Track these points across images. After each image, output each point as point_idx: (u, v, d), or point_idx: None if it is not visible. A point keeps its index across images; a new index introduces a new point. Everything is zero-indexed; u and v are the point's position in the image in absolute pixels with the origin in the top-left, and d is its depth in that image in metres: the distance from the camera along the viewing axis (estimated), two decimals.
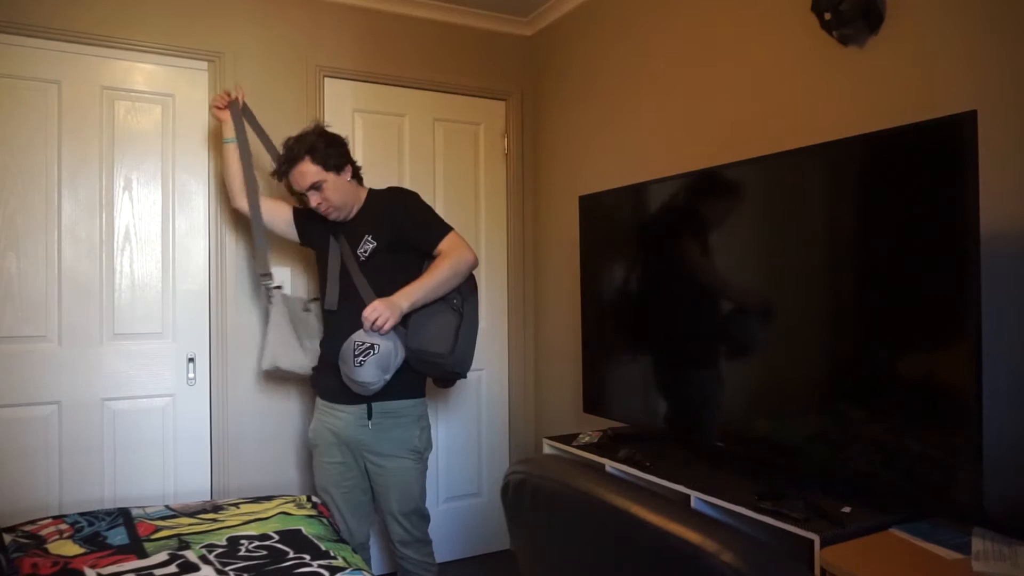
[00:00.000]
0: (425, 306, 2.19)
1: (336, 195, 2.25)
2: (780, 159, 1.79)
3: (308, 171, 2.21)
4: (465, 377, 2.34)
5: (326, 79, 2.93)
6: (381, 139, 3.06)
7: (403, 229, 2.26)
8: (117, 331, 2.58)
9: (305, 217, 2.43)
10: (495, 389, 3.32)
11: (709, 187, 2.01)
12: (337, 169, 2.25)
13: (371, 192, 2.39)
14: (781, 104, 2.12)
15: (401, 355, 2.16)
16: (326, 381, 2.32)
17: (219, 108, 2.42)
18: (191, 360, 2.69)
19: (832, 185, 1.68)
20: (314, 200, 2.24)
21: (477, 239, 3.27)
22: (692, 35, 2.46)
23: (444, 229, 2.25)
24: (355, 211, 2.32)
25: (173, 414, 2.66)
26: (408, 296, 2.14)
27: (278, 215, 2.46)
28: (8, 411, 2.42)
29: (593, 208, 2.50)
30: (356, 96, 3.00)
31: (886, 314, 1.54)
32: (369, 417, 2.23)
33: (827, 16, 1.89)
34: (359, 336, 2.10)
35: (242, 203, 2.45)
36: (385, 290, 2.18)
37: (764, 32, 2.17)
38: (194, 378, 2.69)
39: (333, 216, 2.28)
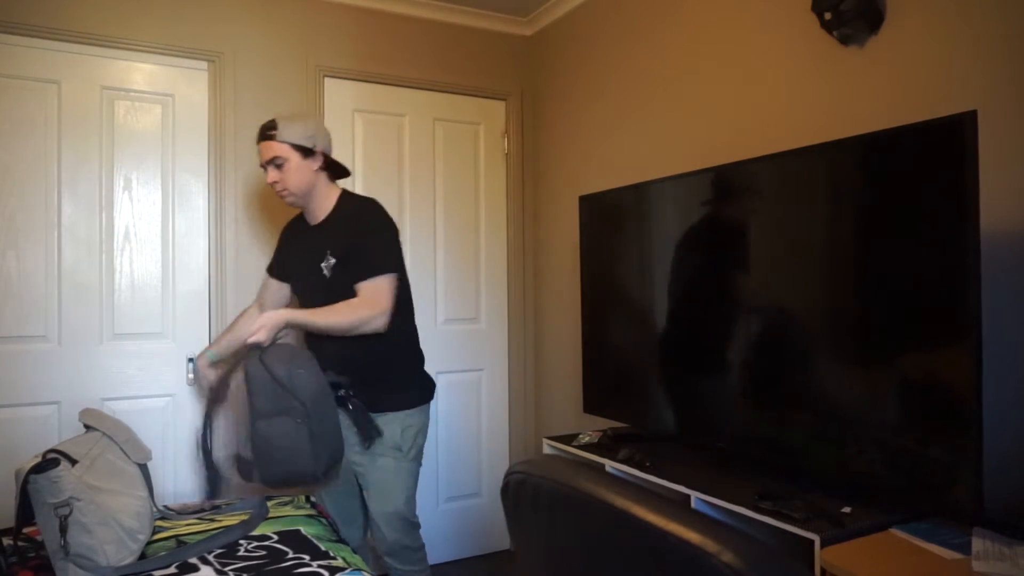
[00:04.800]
0: (264, 428, 1.91)
1: (296, 178, 2.12)
2: (779, 159, 1.79)
3: (273, 145, 2.11)
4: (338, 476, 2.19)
5: (326, 79, 2.93)
6: (381, 139, 3.06)
7: (349, 250, 2.11)
8: (117, 331, 2.58)
9: (281, 260, 2.37)
10: (495, 389, 3.32)
11: (709, 187, 2.01)
12: (304, 153, 2.12)
13: (342, 196, 2.23)
14: (780, 104, 2.12)
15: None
16: None
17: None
18: (191, 360, 2.68)
19: (832, 185, 1.68)
20: (271, 176, 2.14)
21: (477, 239, 3.28)
22: (692, 35, 2.46)
23: (381, 268, 2.08)
24: (321, 215, 2.21)
25: (173, 414, 2.66)
26: (294, 315, 2.03)
27: (270, 290, 2.38)
28: (8, 411, 2.42)
29: (593, 208, 2.50)
30: (356, 96, 3.00)
31: (886, 314, 1.54)
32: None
33: (827, 16, 1.89)
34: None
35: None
36: None
37: (764, 32, 2.17)
38: (194, 378, 2.69)
39: (289, 201, 2.18)
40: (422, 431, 2.24)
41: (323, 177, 2.19)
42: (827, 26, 1.91)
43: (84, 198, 2.54)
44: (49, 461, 1.62)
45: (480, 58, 3.26)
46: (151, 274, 2.65)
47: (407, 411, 2.18)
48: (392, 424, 2.16)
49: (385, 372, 2.17)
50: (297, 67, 2.86)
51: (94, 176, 2.56)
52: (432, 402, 2.29)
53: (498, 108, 3.33)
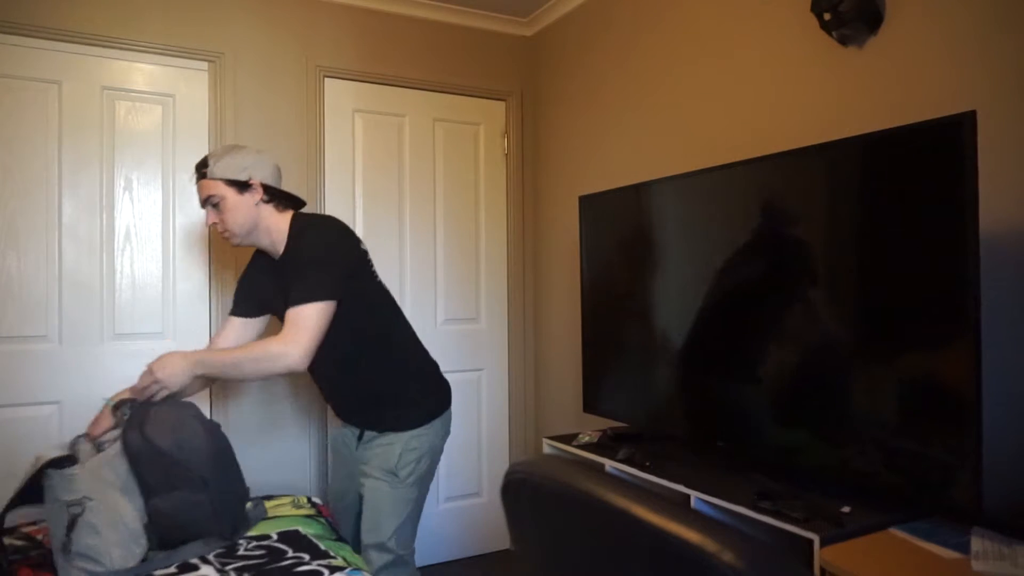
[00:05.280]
0: (161, 504, 1.71)
1: (233, 217, 1.92)
2: (779, 160, 1.79)
3: (205, 184, 1.93)
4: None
5: (326, 79, 2.93)
6: (381, 139, 3.06)
7: (291, 282, 1.90)
8: (118, 331, 2.59)
9: (246, 294, 2.12)
10: (495, 389, 3.32)
11: (709, 187, 2.01)
12: (239, 187, 1.92)
13: (292, 223, 1.99)
14: (780, 105, 2.12)
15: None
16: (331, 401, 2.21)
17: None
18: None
19: (832, 186, 1.68)
20: (210, 217, 1.95)
21: (477, 239, 3.28)
22: (691, 35, 2.46)
23: (311, 293, 1.82)
24: (280, 249, 1.99)
25: None
26: (203, 357, 1.82)
27: (226, 332, 2.10)
28: (8, 411, 2.42)
29: (593, 208, 2.50)
30: (356, 96, 3.01)
31: (886, 314, 1.54)
32: (360, 439, 2.11)
33: (826, 16, 1.89)
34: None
35: None
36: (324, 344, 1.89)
37: (763, 33, 2.17)
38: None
39: (234, 242, 1.98)
40: (428, 455, 2.04)
41: (267, 210, 1.96)
42: (826, 27, 1.91)
43: (85, 198, 2.54)
44: (66, 457, 1.62)
45: (480, 58, 3.26)
46: (151, 274, 2.65)
47: (413, 431, 2.01)
48: (394, 445, 2.00)
49: (383, 394, 2.03)
50: (297, 67, 2.87)
51: (95, 176, 2.56)
52: (446, 414, 2.11)
53: (498, 108, 3.33)
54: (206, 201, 1.95)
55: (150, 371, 1.78)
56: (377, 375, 2.02)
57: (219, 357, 1.84)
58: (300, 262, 1.89)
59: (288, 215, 2.00)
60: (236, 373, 1.84)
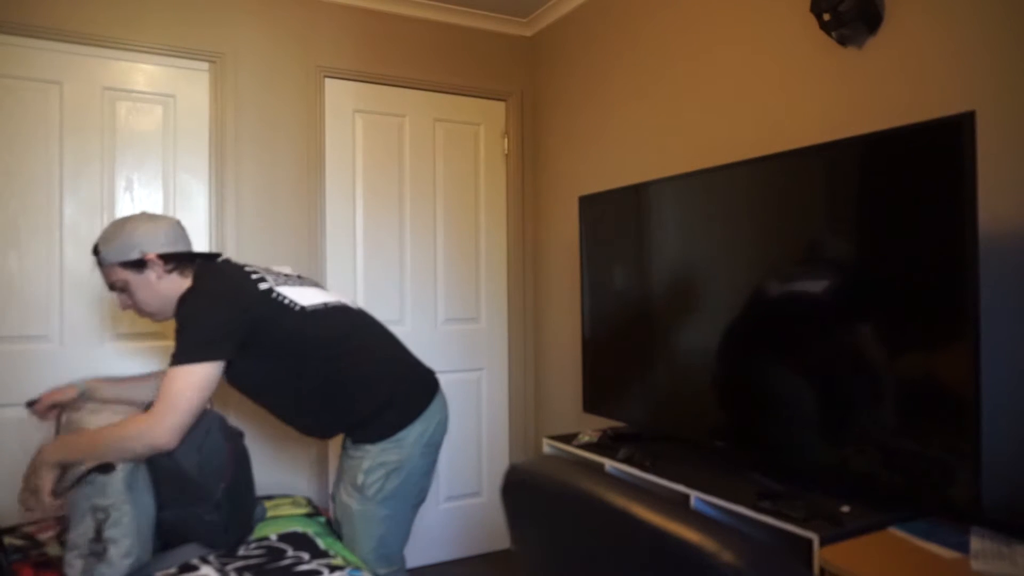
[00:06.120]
0: (171, 517, 1.71)
1: (142, 298, 1.82)
2: (778, 160, 1.79)
3: (103, 271, 1.82)
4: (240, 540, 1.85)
5: (326, 79, 2.94)
6: (381, 139, 3.06)
7: None
8: (118, 331, 2.59)
9: None
10: (495, 389, 3.33)
11: (708, 187, 2.01)
12: (135, 267, 1.79)
13: (192, 279, 1.86)
14: (780, 105, 2.12)
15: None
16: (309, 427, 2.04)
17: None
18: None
19: (831, 186, 1.69)
20: (121, 303, 1.86)
21: (477, 239, 3.28)
22: (690, 36, 2.46)
23: (182, 356, 1.67)
24: None
25: None
26: (59, 450, 1.65)
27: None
28: (9, 411, 2.43)
29: (593, 208, 2.50)
30: (356, 96, 3.01)
31: (885, 314, 1.55)
32: (344, 446, 1.99)
33: (826, 17, 1.89)
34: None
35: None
36: (260, 394, 1.92)
37: (763, 33, 2.18)
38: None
39: (157, 320, 1.88)
40: (399, 471, 1.86)
41: (172, 280, 1.82)
42: (826, 27, 1.91)
43: (86, 198, 2.54)
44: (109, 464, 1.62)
45: (480, 58, 3.26)
46: None
47: (382, 444, 1.85)
48: (363, 460, 1.87)
49: (342, 418, 1.91)
50: (298, 68, 2.87)
51: (95, 176, 2.56)
52: (421, 424, 1.90)
53: (498, 109, 3.33)
54: (112, 287, 1.84)
55: (31, 474, 1.66)
56: (330, 405, 1.88)
57: (80, 445, 1.66)
58: (177, 323, 1.75)
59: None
60: (97, 457, 1.63)
